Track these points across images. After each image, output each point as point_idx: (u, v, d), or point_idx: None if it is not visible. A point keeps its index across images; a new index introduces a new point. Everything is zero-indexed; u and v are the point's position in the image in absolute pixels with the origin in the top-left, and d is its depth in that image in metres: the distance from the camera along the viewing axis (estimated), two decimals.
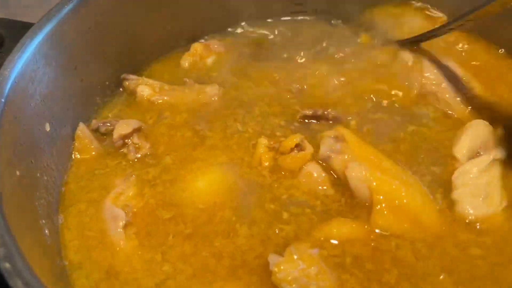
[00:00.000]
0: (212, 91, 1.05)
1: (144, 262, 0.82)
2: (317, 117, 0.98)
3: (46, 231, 0.83)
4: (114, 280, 0.80)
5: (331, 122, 0.97)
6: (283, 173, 0.91)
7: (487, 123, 0.92)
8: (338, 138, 0.89)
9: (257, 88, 1.07)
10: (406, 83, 1.02)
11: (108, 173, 0.95)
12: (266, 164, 0.91)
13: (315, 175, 0.88)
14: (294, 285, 0.72)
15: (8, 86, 0.81)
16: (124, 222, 0.84)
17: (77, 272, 0.82)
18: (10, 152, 0.79)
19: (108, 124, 1.00)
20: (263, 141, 0.93)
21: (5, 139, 0.78)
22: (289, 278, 0.73)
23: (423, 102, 1.01)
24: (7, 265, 0.62)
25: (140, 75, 1.11)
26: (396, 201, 0.81)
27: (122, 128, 0.97)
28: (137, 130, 0.97)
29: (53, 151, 0.93)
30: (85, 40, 0.99)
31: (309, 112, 0.98)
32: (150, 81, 1.08)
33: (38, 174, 0.87)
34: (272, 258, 0.76)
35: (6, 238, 0.65)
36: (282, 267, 0.74)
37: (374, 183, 0.82)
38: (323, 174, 0.88)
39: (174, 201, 0.89)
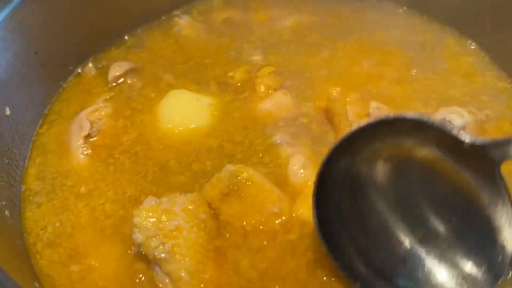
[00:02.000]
0: None
1: (95, 174, 0.91)
2: None
3: (6, 212, 0.84)
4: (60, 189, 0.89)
5: None
6: None
7: None
8: None
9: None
10: None
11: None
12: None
13: None
14: (142, 235, 0.72)
15: None
16: (87, 132, 0.94)
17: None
18: None
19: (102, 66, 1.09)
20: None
21: None
22: (143, 225, 0.73)
23: None
24: None
25: (102, 57, 1.12)
26: None
27: (115, 69, 1.04)
28: (130, 71, 1.05)
29: (15, 136, 0.94)
30: (44, 24, 1.00)
31: None
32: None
33: None
34: (147, 200, 0.77)
35: None
36: (143, 213, 0.74)
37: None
38: None
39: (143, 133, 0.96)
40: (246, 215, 0.79)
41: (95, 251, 0.81)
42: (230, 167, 0.80)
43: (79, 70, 1.10)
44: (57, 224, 0.85)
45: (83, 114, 0.99)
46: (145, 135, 0.96)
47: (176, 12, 1.23)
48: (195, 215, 0.75)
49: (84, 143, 0.95)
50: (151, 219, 0.73)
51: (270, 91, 1.00)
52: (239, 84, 1.03)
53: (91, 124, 0.97)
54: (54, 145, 0.98)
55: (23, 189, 0.92)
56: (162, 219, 0.73)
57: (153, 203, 0.75)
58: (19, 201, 0.90)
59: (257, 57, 1.09)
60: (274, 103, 0.98)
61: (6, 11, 0.92)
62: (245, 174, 0.79)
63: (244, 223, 0.79)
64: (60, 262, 0.81)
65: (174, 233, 0.72)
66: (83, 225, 0.84)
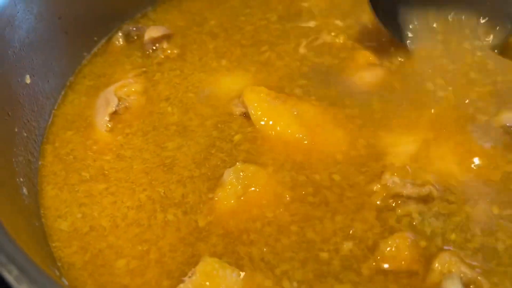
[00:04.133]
0: None
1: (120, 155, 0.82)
2: None
3: (24, 190, 0.76)
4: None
5: None
6: None
7: None
8: None
9: None
10: None
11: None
12: None
13: None
14: None
15: None
16: (114, 108, 0.86)
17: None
18: None
19: (137, 29, 1.02)
20: None
21: None
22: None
23: None
24: None
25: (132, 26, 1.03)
26: None
27: (153, 31, 0.98)
28: (167, 36, 0.98)
29: (34, 107, 0.86)
30: None
31: None
32: None
33: (15, 129, 0.79)
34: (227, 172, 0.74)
35: None
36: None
37: None
38: None
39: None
40: None
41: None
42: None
43: (104, 41, 1.01)
44: (78, 215, 0.76)
45: (111, 88, 0.90)
46: (183, 117, 0.87)
47: None
48: None
49: (110, 120, 0.87)
50: None
51: None
52: None
53: (119, 100, 0.88)
54: (76, 120, 0.89)
55: (40, 166, 0.83)
56: None
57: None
58: (37, 179, 0.82)
59: None
60: None
61: None
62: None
63: None
64: (80, 250, 0.72)
65: None
66: (106, 215, 0.75)
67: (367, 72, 0.90)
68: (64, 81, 0.94)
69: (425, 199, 0.72)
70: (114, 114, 0.87)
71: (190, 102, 0.88)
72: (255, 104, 0.82)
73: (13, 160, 0.76)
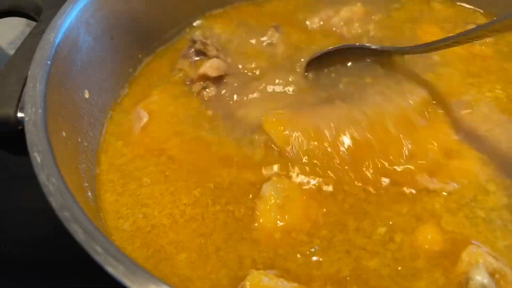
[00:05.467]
0: None
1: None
2: None
3: (89, 194, 0.84)
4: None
5: None
6: None
7: None
8: None
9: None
10: None
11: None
12: None
13: None
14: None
15: (53, 49, 0.82)
16: (145, 120, 0.96)
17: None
18: (56, 112, 0.79)
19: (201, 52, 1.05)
20: None
21: (52, 98, 0.78)
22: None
23: None
24: (66, 213, 0.63)
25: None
26: None
27: (208, 69, 1.00)
28: (219, 79, 1.00)
29: (91, 119, 0.94)
30: (121, 11, 1.01)
31: None
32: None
33: (79, 139, 0.88)
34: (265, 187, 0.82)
35: (63, 189, 0.66)
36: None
37: None
38: None
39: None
40: None
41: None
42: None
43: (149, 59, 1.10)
44: (139, 216, 0.84)
45: (140, 105, 1.00)
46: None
47: None
48: None
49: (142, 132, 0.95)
50: None
51: None
52: None
53: (149, 114, 0.98)
54: (121, 133, 0.98)
55: (96, 174, 0.92)
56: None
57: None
58: (95, 185, 0.90)
59: None
60: None
61: None
62: None
63: None
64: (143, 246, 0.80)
65: None
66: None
67: None
68: (114, 95, 1.03)
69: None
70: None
71: None
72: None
73: (79, 167, 0.85)
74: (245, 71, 1.03)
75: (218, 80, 1.00)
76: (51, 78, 0.79)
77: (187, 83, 1.02)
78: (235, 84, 1.00)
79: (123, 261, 0.59)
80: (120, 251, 0.61)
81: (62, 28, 0.86)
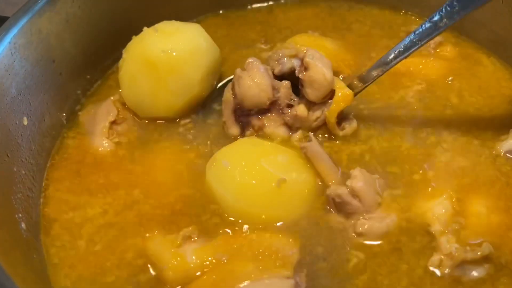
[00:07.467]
0: None
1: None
2: None
3: (23, 225, 0.82)
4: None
5: None
6: None
7: None
8: None
9: None
10: None
11: None
12: None
13: None
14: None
15: None
16: (113, 118, 0.97)
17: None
18: None
19: None
20: None
21: None
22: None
23: None
24: None
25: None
26: None
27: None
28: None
29: (32, 146, 0.92)
30: (63, 33, 0.98)
31: None
32: None
33: (14, 169, 0.86)
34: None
35: None
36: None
37: None
38: None
39: None
40: None
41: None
42: None
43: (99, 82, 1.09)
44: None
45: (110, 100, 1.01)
46: None
47: None
48: None
49: (110, 128, 0.97)
50: None
51: None
52: None
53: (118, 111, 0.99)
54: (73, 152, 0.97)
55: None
56: None
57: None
58: (37, 213, 0.88)
59: None
60: None
61: (24, 20, 0.90)
62: None
63: None
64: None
65: None
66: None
67: None
68: (60, 118, 1.01)
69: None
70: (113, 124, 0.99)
71: None
72: None
73: (12, 197, 0.83)
74: None
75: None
76: None
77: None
78: None
79: None
80: None
81: None
